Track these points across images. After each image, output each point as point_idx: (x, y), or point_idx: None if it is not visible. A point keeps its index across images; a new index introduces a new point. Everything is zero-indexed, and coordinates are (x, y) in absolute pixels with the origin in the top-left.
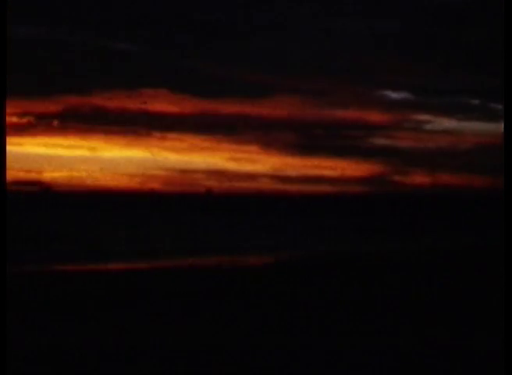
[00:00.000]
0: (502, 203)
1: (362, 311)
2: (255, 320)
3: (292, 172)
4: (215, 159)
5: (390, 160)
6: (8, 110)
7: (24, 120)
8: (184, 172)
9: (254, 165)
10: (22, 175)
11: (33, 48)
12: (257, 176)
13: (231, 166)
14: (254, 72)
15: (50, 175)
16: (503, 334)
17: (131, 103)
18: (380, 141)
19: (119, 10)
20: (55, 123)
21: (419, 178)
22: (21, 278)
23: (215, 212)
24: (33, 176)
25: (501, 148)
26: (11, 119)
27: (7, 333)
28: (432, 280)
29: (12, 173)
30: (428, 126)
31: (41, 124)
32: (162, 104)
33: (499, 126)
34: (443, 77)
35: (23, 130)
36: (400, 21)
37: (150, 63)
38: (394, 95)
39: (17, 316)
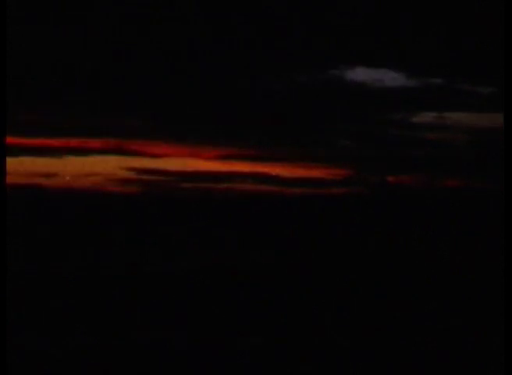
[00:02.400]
0: (499, 205)
1: (359, 311)
2: (252, 320)
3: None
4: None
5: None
6: None
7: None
8: (164, 174)
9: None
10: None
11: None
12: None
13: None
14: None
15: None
16: (502, 335)
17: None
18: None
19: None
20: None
21: (409, 178)
22: (21, 278)
23: (215, 214)
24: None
25: (498, 143)
26: None
27: (7, 334)
28: (431, 282)
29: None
30: (414, 120)
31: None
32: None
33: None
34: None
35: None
36: None
37: None
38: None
39: (17, 316)
